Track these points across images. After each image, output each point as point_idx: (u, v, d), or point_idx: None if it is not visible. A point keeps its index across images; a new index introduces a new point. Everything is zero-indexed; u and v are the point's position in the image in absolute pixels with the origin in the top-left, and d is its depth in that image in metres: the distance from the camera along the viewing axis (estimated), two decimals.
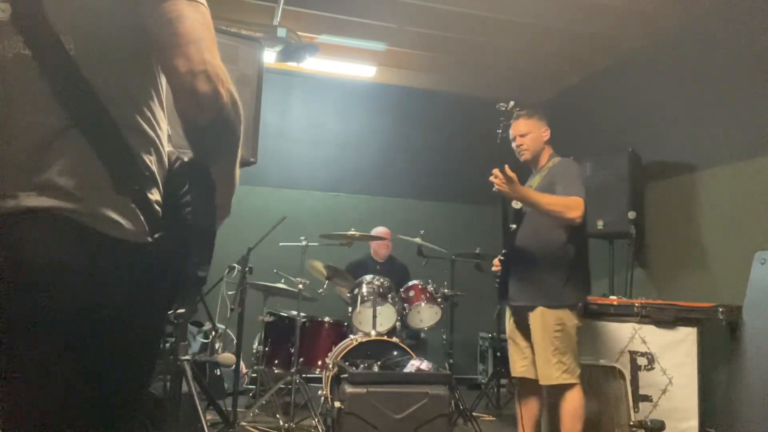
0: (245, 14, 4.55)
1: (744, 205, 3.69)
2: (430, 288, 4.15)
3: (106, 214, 1.00)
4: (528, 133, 2.97)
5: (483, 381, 5.20)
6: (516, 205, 2.83)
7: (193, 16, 1.03)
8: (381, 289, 3.94)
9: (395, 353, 3.50)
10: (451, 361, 4.30)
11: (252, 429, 3.56)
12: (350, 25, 4.76)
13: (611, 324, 3.41)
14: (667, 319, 3.19)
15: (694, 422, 3.04)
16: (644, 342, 3.27)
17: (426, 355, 4.12)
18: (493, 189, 2.73)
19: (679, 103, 4.33)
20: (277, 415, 3.68)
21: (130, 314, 1.02)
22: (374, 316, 3.73)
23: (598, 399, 3.11)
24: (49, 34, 0.99)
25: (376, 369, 3.28)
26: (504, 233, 2.96)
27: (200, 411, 2.70)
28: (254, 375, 4.27)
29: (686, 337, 3.14)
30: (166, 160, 1.12)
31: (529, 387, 2.94)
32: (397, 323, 3.92)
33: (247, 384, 4.61)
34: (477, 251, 4.31)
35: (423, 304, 4.09)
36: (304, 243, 4.07)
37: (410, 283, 4.22)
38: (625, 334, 3.35)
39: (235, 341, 4.05)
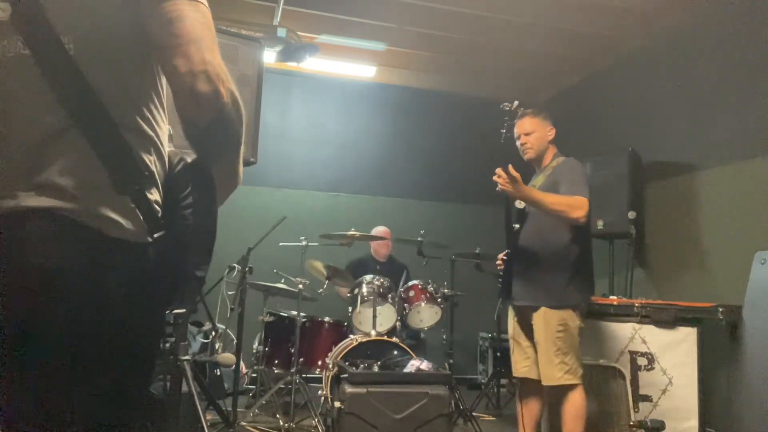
0: (245, 14, 4.55)
1: (744, 205, 3.69)
2: (430, 288, 4.15)
3: (105, 214, 1.00)
4: (533, 132, 2.96)
5: (483, 381, 5.20)
6: (519, 204, 2.82)
7: (193, 16, 1.03)
8: (381, 289, 3.94)
9: (395, 353, 3.50)
10: (451, 361, 4.29)
11: (252, 429, 3.56)
12: (350, 25, 4.77)
13: (611, 324, 3.41)
14: (667, 319, 3.19)
15: (694, 422, 3.05)
16: (644, 342, 3.27)
17: (426, 355, 4.12)
18: (497, 188, 2.71)
19: (679, 103, 4.33)
20: (277, 415, 3.67)
21: (129, 314, 1.02)
22: (374, 316, 3.73)
23: (598, 399, 3.11)
24: (49, 34, 0.99)
25: (376, 369, 3.28)
26: (507, 233, 2.94)
27: (200, 411, 2.70)
28: (254, 375, 4.27)
29: (686, 337, 3.14)
30: (166, 159, 1.12)
31: (530, 387, 2.93)
32: (397, 323, 3.92)
33: (247, 384, 4.61)
34: (477, 251, 4.31)
35: (423, 304, 4.09)
36: (304, 243, 4.08)
37: (410, 283, 4.22)
38: (625, 334, 3.35)
39: (235, 341, 4.05)
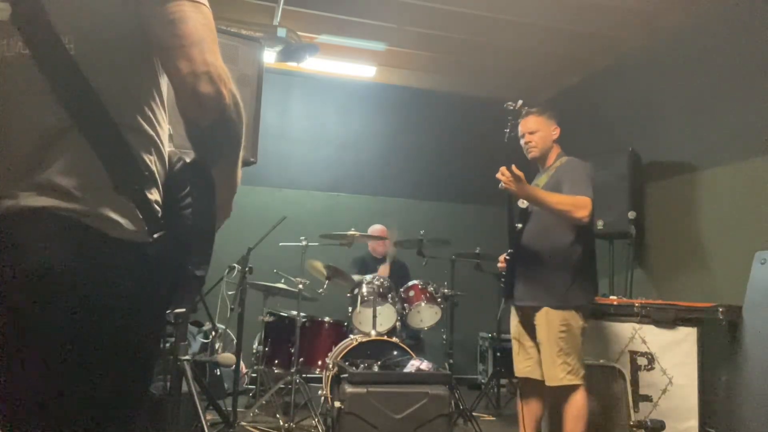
0: (245, 14, 4.55)
1: (744, 205, 3.69)
2: (430, 288, 4.15)
3: (105, 214, 1.00)
4: (537, 131, 2.94)
5: (483, 381, 5.20)
6: (522, 204, 2.80)
7: (195, 17, 1.03)
8: (381, 289, 3.94)
9: (395, 353, 3.50)
10: (451, 361, 4.29)
11: (252, 429, 3.56)
12: (350, 25, 4.77)
13: (611, 324, 3.41)
14: (667, 319, 3.19)
15: (694, 422, 3.04)
16: (644, 342, 3.27)
17: (426, 355, 4.11)
18: (500, 186, 2.70)
19: (679, 103, 4.33)
20: (277, 415, 3.67)
21: (129, 314, 1.02)
22: (374, 316, 3.73)
23: (598, 399, 3.11)
24: (50, 34, 0.99)
25: (376, 369, 3.28)
26: (510, 232, 2.92)
27: (200, 411, 2.70)
28: (254, 375, 4.27)
29: (686, 337, 3.14)
30: (166, 159, 1.12)
31: (532, 387, 2.93)
32: (397, 323, 3.92)
33: (247, 384, 4.61)
34: (477, 251, 4.31)
35: (423, 304, 4.09)
36: (304, 243, 4.08)
37: (410, 283, 4.22)
38: (625, 334, 3.35)
39: (235, 341, 4.05)
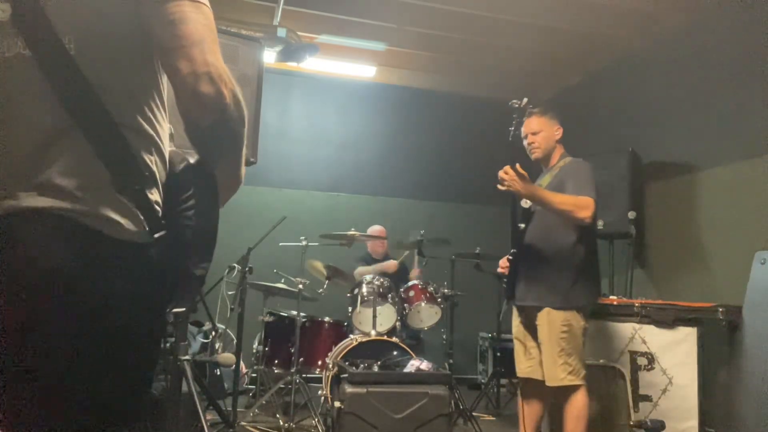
0: (245, 14, 4.55)
1: (744, 205, 3.69)
2: (430, 288, 4.16)
3: (106, 214, 1.00)
4: (540, 131, 2.94)
5: (483, 381, 5.20)
6: (525, 203, 2.79)
7: (195, 18, 1.03)
8: (381, 289, 3.94)
9: (395, 353, 3.50)
10: (451, 361, 4.29)
11: (252, 429, 3.56)
12: (350, 25, 4.77)
13: (611, 324, 3.41)
14: (667, 319, 3.19)
15: (694, 422, 3.04)
16: (644, 342, 3.27)
17: (426, 355, 4.12)
18: (503, 184, 2.68)
19: (679, 103, 4.33)
20: (277, 415, 3.67)
21: (130, 314, 1.02)
22: (374, 316, 3.74)
23: (598, 399, 3.11)
24: (50, 35, 0.99)
25: (376, 369, 3.28)
26: (512, 232, 2.91)
27: (200, 411, 2.70)
28: (254, 375, 4.27)
29: (686, 337, 3.14)
30: (167, 159, 1.12)
31: (533, 388, 2.92)
32: (397, 323, 3.93)
33: (247, 384, 4.61)
34: (477, 251, 4.31)
35: (423, 304, 4.09)
36: (304, 243, 4.08)
37: (410, 283, 4.22)
38: (625, 334, 3.35)
39: (235, 341, 4.05)
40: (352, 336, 3.80)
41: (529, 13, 4.40)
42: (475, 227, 5.90)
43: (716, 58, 4.00)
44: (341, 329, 4.11)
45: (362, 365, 3.31)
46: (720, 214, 3.87)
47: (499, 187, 2.71)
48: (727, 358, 3.20)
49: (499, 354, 4.67)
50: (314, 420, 3.54)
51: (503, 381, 4.69)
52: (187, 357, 2.72)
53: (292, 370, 3.71)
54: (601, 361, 3.29)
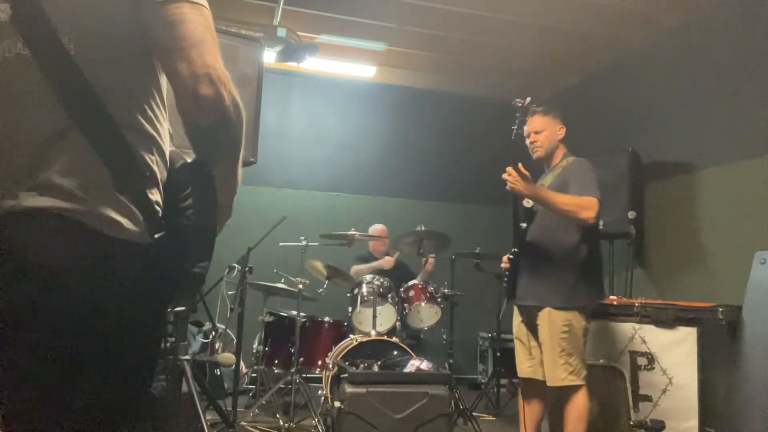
0: (245, 14, 4.55)
1: (744, 205, 3.69)
2: (430, 288, 4.16)
3: (106, 214, 1.00)
4: (542, 131, 2.93)
5: (483, 381, 5.20)
6: (527, 203, 2.78)
7: (195, 19, 1.03)
8: (381, 289, 3.94)
9: (395, 353, 3.50)
10: (451, 361, 4.29)
11: (252, 429, 3.56)
12: (350, 25, 4.77)
13: (611, 324, 3.41)
14: (667, 319, 3.19)
15: (694, 422, 3.04)
16: (644, 342, 3.27)
17: (426, 355, 4.11)
18: (507, 187, 2.69)
19: (679, 103, 4.33)
20: (277, 415, 3.67)
21: (130, 314, 1.02)
22: (374, 316, 3.74)
23: (598, 399, 3.11)
24: (49, 35, 0.99)
25: (376, 369, 3.28)
26: (514, 232, 2.90)
27: (200, 411, 2.70)
28: (254, 375, 4.27)
29: (686, 337, 3.14)
30: (167, 159, 1.12)
31: (534, 388, 2.92)
32: (397, 323, 3.93)
33: (247, 384, 4.61)
34: (477, 251, 4.31)
35: (423, 304, 4.09)
36: (304, 243, 4.07)
37: (410, 283, 4.22)
38: (625, 334, 3.35)
39: (235, 341, 4.05)
40: (352, 336, 3.80)
41: (529, 13, 4.40)
42: (475, 227, 5.90)
43: (716, 58, 4.00)
44: (341, 329, 4.11)
45: (362, 365, 3.31)
46: (720, 214, 3.87)
47: (507, 187, 2.70)
48: (727, 358, 3.20)
49: (499, 354, 4.67)
50: (314, 420, 3.54)
51: (503, 381, 4.69)
52: (187, 357, 2.72)
53: (292, 370, 3.71)
54: (601, 361, 3.29)
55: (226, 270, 4.02)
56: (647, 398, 3.22)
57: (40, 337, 0.96)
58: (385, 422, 2.92)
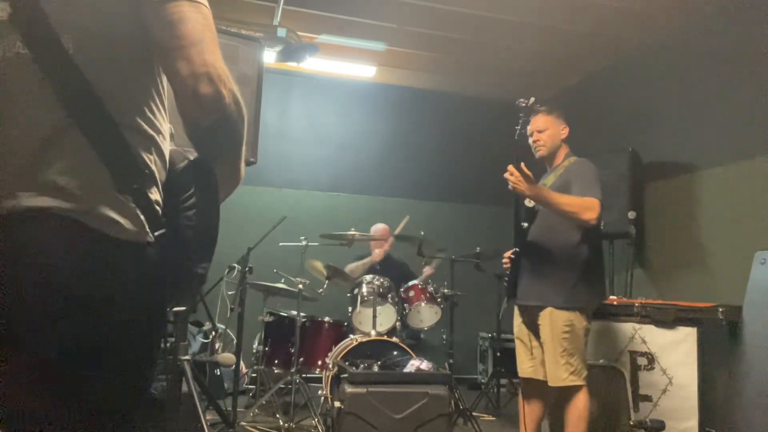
0: (245, 14, 4.55)
1: (744, 205, 3.69)
2: (430, 288, 4.16)
3: (105, 214, 1.00)
4: (546, 130, 2.93)
5: (483, 381, 5.20)
6: (529, 203, 2.77)
7: (194, 18, 1.03)
8: (381, 289, 3.94)
9: (395, 353, 3.50)
10: (451, 361, 4.29)
11: (252, 429, 3.56)
12: (350, 25, 4.77)
13: (611, 324, 3.41)
14: (667, 319, 3.19)
15: (694, 422, 3.04)
16: (644, 342, 3.27)
17: (426, 355, 4.11)
18: (509, 187, 2.68)
19: (679, 103, 4.33)
20: (277, 415, 3.67)
21: (129, 314, 1.02)
22: (374, 316, 3.74)
23: (598, 399, 3.11)
24: (49, 34, 0.99)
25: (376, 369, 3.28)
26: (516, 231, 2.90)
27: (200, 411, 2.70)
28: (254, 375, 4.27)
29: (686, 337, 3.14)
30: (166, 159, 1.12)
31: (534, 388, 2.92)
32: (397, 323, 3.93)
33: (247, 384, 4.61)
34: (477, 251, 4.31)
35: (423, 304, 4.09)
36: (304, 243, 4.07)
37: (410, 283, 4.22)
38: (625, 334, 3.35)
39: (235, 341, 4.05)
40: (352, 336, 3.80)
41: (529, 13, 4.40)
42: (475, 227, 5.91)
43: (716, 58, 4.00)
44: (341, 329, 4.11)
45: (362, 365, 3.31)
46: (720, 214, 3.87)
47: (509, 187, 2.69)
48: (727, 358, 3.21)
49: (499, 354, 4.67)
50: (314, 420, 3.54)
51: (503, 381, 4.69)
52: (187, 357, 2.72)
53: (292, 370, 3.71)
54: (602, 361, 3.29)
55: (226, 270, 4.02)
56: (647, 398, 3.22)
57: (39, 337, 0.96)
58: (385, 422, 2.92)
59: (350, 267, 4.69)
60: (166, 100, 1.14)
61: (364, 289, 3.95)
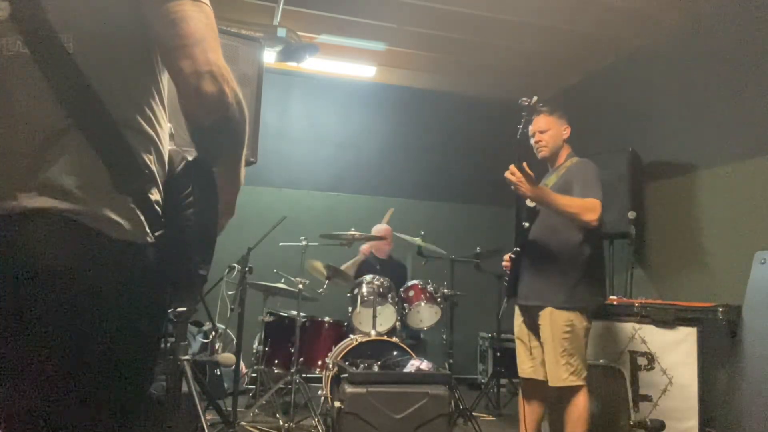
0: (245, 14, 4.55)
1: (744, 205, 3.69)
2: (430, 288, 4.15)
3: (105, 214, 1.00)
4: (547, 130, 2.93)
5: (483, 381, 5.20)
6: (531, 203, 2.77)
7: (197, 17, 1.03)
8: (381, 289, 3.93)
9: (395, 353, 3.50)
10: (451, 361, 4.29)
11: (252, 429, 3.56)
12: (350, 25, 4.76)
13: (611, 324, 3.41)
14: (667, 319, 3.19)
15: (694, 422, 3.04)
16: (644, 342, 3.27)
17: (426, 355, 4.12)
18: (511, 186, 2.68)
19: (679, 103, 4.33)
20: (277, 415, 3.67)
21: (130, 314, 1.02)
22: (374, 316, 3.73)
23: (598, 399, 3.11)
24: (49, 33, 0.99)
25: (376, 369, 3.28)
26: (517, 231, 2.90)
27: (200, 411, 2.70)
28: (254, 375, 4.27)
29: (686, 337, 3.14)
30: (166, 159, 1.12)
31: (534, 388, 2.92)
32: (397, 323, 3.92)
33: (247, 384, 4.60)
34: (477, 251, 4.31)
35: (423, 304, 4.09)
36: (304, 243, 4.07)
37: (410, 283, 4.22)
38: (625, 334, 3.35)
39: (235, 341, 4.05)
40: (352, 336, 3.80)
41: (529, 13, 4.40)
42: (475, 227, 5.91)
43: (716, 58, 4.00)
44: (341, 329, 4.11)
45: (362, 365, 3.31)
46: (720, 214, 3.87)
47: (511, 186, 2.69)
48: (727, 358, 3.21)
49: (499, 354, 4.66)
50: (314, 420, 3.54)
51: (503, 381, 4.69)
52: (187, 357, 2.72)
53: (292, 370, 3.71)
54: (602, 361, 3.29)
55: (226, 270, 4.02)
56: (647, 398, 3.22)
57: (39, 338, 0.96)
58: (385, 422, 2.92)
59: (342, 267, 4.67)
60: (166, 100, 1.14)
61: (364, 289, 3.95)
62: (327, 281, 4.07)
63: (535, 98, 2.79)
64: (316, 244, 4.15)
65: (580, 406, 2.72)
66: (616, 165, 4.24)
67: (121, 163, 1.02)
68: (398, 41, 5.08)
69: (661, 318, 3.21)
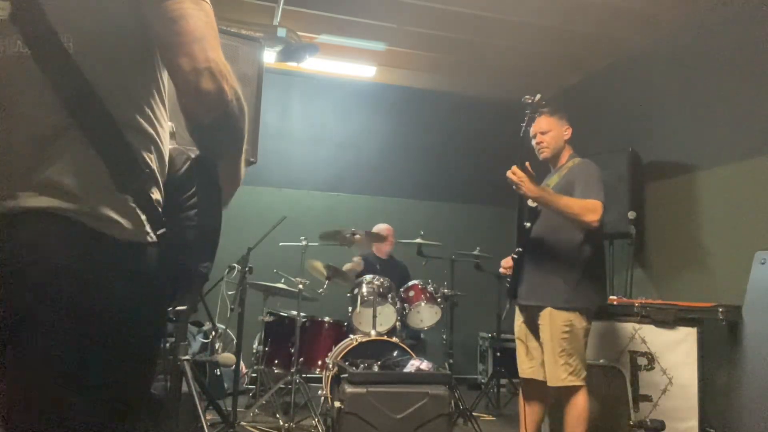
0: (245, 14, 4.55)
1: (744, 205, 3.69)
2: (430, 288, 4.15)
3: (106, 214, 1.00)
4: (549, 131, 2.93)
5: (483, 381, 5.20)
6: (532, 203, 2.77)
7: (196, 14, 1.03)
8: (381, 289, 3.94)
9: (395, 353, 3.50)
10: (451, 361, 4.30)
11: (252, 429, 3.56)
12: (350, 25, 4.77)
13: (611, 324, 3.41)
14: (667, 319, 3.19)
15: (694, 422, 3.04)
16: (644, 342, 3.27)
17: (426, 355, 4.12)
18: (512, 186, 2.67)
19: (679, 103, 4.33)
20: (277, 415, 3.67)
21: (130, 314, 1.01)
22: (374, 316, 3.73)
23: (598, 399, 3.11)
24: (49, 33, 0.99)
25: (376, 369, 3.27)
26: (518, 231, 2.89)
27: (200, 411, 2.70)
28: (254, 375, 4.27)
29: (686, 337, 3.14)
30: (166, 158, 1.12)
31: (534, 388, 2.92)
32: (397, 323, 3.92)
33: (247, 384, 4.61)
34: (477, 251, 4.31)
35: (423, 304, 4.09)
36: (304, 243, 4.07)
37: (410, 283, 4.22)
38: (625, 334, 3.35)
39: (235, 341, 4.05)
40: (352, 336, 3.80)
41: (529, 13, 4.39)
42: (475, 227, 5.91)
43: (716, 58, 4.00)
44: (341, 329, 4.11)
45: (362, 365, 3.31)
46: (720, 214, 3.87)
47: (513, 186, 2.69)
48: (727, 358, 3.20)
49: (499, 354, 4.66)
50: (314, 420, 3.54)
51: (503, 381, 4.69)
52: (187, 357, 2.72)
53: (292, 370, 3.71)
54: (602, 361, 3.29)
55: (226, 270, 4.02)
56: (647, 398, 3.22)
57: (40, 337, 0.96)
58: (385, 422, 2.92)
59: (346, 267, 4.67)
60: (166, 99, 1.14)
61: (364, 289, 3.95)
62: (327, 281, 4.07)
63: (538, 96, 2.78)
64: (316, 244, 4.15)
65: (579, 407, 2.72)
66: (616, 165, 4.24)
67: (121, 162, 1.02)
68: (398, 41, 5.08)
69: (661, 318, 3.21)
